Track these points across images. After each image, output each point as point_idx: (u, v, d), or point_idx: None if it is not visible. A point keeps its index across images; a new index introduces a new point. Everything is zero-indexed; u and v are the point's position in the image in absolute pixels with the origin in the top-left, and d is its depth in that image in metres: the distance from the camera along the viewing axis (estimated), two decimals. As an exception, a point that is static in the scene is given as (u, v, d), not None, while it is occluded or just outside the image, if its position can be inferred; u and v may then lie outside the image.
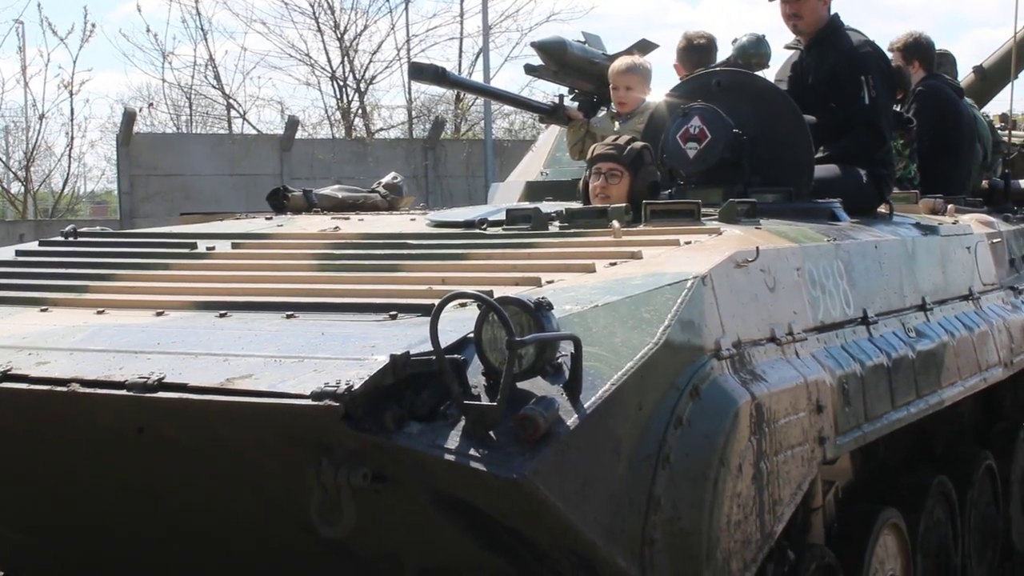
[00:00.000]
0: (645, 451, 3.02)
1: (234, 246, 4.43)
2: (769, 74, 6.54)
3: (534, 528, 2.91)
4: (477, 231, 4.36)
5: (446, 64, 36.16)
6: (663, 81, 6.07)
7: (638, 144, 4.65)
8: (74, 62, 23.67)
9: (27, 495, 3.75)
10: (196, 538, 3.58)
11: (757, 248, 3.62)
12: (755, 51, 6.51)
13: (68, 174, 23.86)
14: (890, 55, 7.36)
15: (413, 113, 26.66)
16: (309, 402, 2.71)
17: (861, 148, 5.38)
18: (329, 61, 27.04)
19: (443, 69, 5.74)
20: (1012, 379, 6.15)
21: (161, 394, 2.90)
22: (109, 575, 3.94)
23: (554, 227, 4.27)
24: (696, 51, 6.22)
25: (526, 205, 4.88)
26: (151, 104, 26.11)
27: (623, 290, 3.28)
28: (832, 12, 5.67)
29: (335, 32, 26.84)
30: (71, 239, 4.85)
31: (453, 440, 2.77)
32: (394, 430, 2.76)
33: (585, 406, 2.85)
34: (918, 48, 7.32)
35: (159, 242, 4.63)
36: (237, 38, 42.23)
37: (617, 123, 5.83)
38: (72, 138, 23.07)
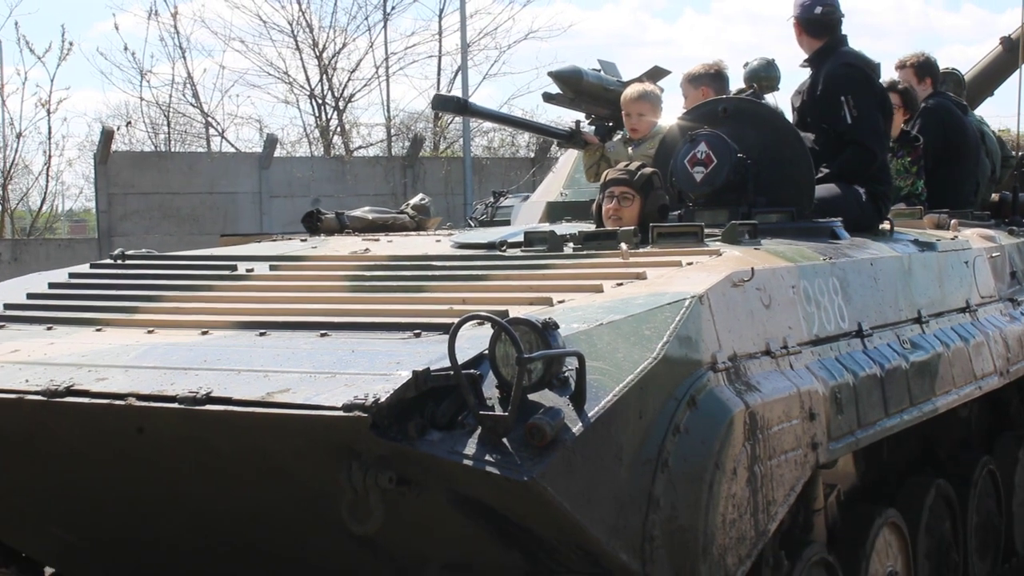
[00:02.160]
0: (645, 456, 3.33)
1: (272, 268, 4.76)
2: (783, 94, 6.87)
3: (544, 526, 3.22)
4: (497, 253, 4.68)
5: (423, 82, 36.20)
6: (678, 105, 6.33)
7: (648, 170, 4.97)
8: (52, 80, 23.19)
9: (83, 502, 4.10)
10: (237, 539, 3.92)
11: (752, 269, 3.92)
12: (765, 74, 6.84)
13: (46, 193, 23.58)
14: (898, 73, 7.67)
15: (392, 131, 26.50)
16: (340, 413, 3.04)
17: (853, 166, 5.67)
18: (308, 79, 26.98)
19: (466, 100, 6.07)
20: (1019, 387, 6.43)
21: (209, 407, 3.23)
22: (163, 569, 4.28)
23: (568, 248, 4.58)
24: (719, 78, 6.52)
25: (543, 228, 5.19)
26: (129, 122, 25.96)
27: (626, 309, 3.59)
28: (836, 36, 5.94)
29: (313, 50, 26.86)
30: (120, 262, 5.20)
31: (470, 447, 3.08)
32: (416, 438, 3.08)
33: (589, 415, 3.15)
34: (929, 66, 7.62)
35: (202, 264, 4.97)
36: (215, 56, 41.19)
37: (630, 148, 6.14)
38: (50, 156, 22.86)
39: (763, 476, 3.69)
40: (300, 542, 3.77)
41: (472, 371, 3.17)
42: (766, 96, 6.76)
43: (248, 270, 4.75)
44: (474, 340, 3.31)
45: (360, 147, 26.40)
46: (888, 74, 7.44)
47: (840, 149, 5.76)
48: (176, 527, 3.95)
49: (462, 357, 3.15)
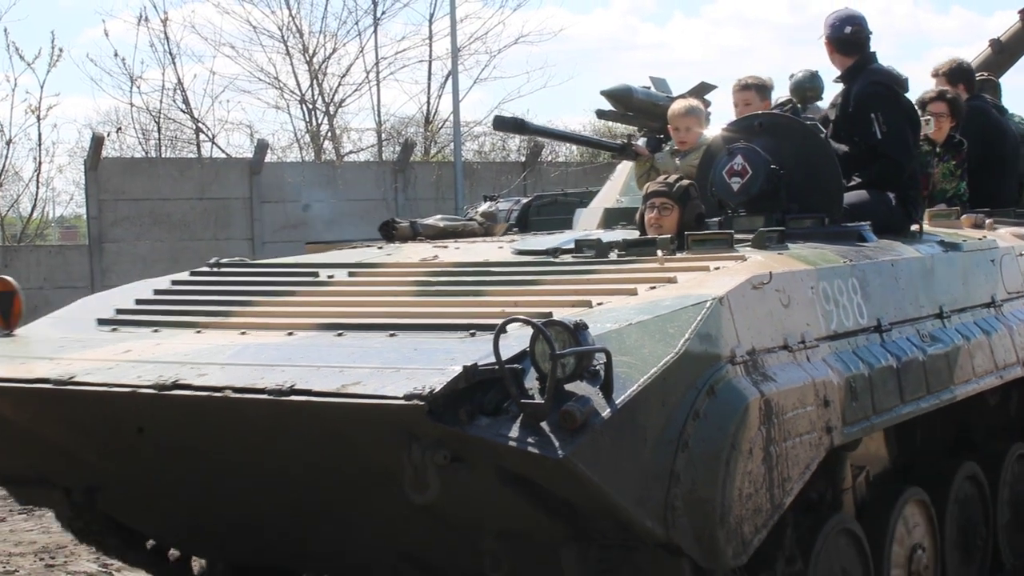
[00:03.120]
0: (667, 438, 3.84)
1: (350, 274, 5.34)
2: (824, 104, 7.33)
3: (579, 498, 3.75)
4: (550, 259, 5.21)
5: (414, 87, 35.94)
6: (725, 117, 6.82)
7: (685, 182, 5.50)
8: (41, 87, 22.76)
9: (187, 483, 4.71)
10: (317, 511, 4.51)
11: (770, 273, 4.42)
12: (810, 85, 7.31)
13: (36, 199, 23.36)
14: (934, 82, 8.08)
15: (383, 136, 26.42)
16: (402, 402, 3.60)
17: (884, 177, 6.13)
18: (298, 84, 26.79)
19: (523, 120, 6.63)
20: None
21: (293, 398, 3.81)
22: (252, 542, 4.89)
23: (613, 254, 5.10)
24: (762, 88, 7.01)
25: (592, 235, 5.70)
26: (119, 129, 25.64)
27: (654, 310, 4.10)
28: (865, 53, 6.40)
29: (304, 55, 26.64)
30: (216, 269, 5.81)
31: (513, 430, 3.62)
32: (467, 423, 3.63)
33: (616, 403, 3.67)
34: (961, 73, 8.02)
35: (288, 272, 5.56)
36: (206, 62, 40.71)
37: (677, 159, 6.65)
38: (40, 163, 22.52)
39: (778, 456, 4.17)
40: (371, 514, 4.35)
41: (515, 365, 3.71)
42: (811, 106, 7.22)
43: (329, 276, 5.33)
44: (519, 339, 3.83)
45: (351, 152, 26.41)
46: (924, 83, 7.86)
47: (871, 159, 6.21)
48: (264, 503, 4.54)
49: (506, 353, 3.68)
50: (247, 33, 30.70)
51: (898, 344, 5.05)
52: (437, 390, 3.59)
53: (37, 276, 17.66)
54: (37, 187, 23.03)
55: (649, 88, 7.16)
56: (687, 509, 3.86)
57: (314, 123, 26.82)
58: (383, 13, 27.27)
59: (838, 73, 6.48)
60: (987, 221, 6.85)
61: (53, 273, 17.59)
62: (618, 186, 7.54)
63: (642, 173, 6.92)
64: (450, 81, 23.66)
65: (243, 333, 4.62)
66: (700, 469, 3.89)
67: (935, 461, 6.01)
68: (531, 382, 3.71)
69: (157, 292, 5.52)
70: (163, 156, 24.84)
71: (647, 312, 4.09)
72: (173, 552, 5.94)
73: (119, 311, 5.21)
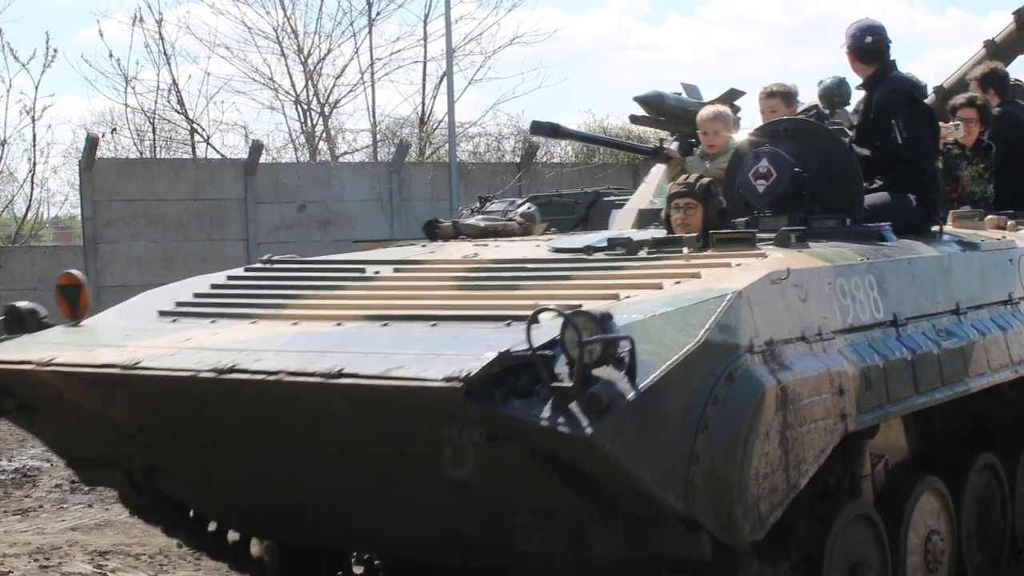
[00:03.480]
0: (688, 421, 4.13)
1: (395, 270, 5.66)
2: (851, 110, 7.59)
3: (604, 474, 4.05)
4: (583, 256, 5.51)
5: (409, 87, 35.41)
6: (753, 123, 7.10)
7: (705, 180, 5.84)
8: (36, 87, 22.98)
9: (241, 463, 5.06)
10: (361, 490, 4.84)
11: (788, 269, 4.71)
12: (838, 91, 7.59)
13: (31, 200, 23.24)
14: (972, 86, 8.33)
15: (377, 136, 26.42)
16: (442, 384, 3.92)
17: (905, 180, 6.41)
18: (293, 85, 26.83)
19: (558, 125, 6.95)
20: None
21: (341, 380, 4.14)
22: (301, 522, 5.22)
23: (643, 252, 5.40)
24: (787, 95, 7.29)
25: (623, 234, 6.01)
26: (114, 129, 25.56)
27: (678, 303, 4.40)
28: (885, 62, 6.70)
29: (299, 56, 26.67)
30: (269, 265, 6.15)
31: (544, 411, 3.92)
32: (501, 403, 3.94)
33: (640, 387, 3.96)
34: (993, 78, 8.27)
35: (338, 268, 5.89)
36: (200, 63, 39.65)
37: (707, 162, 6.95)
38: (35, 164, 22.60)
39: (794, 440, 4.45)
40: (412, 494, 4.67)
41: (546, 352, 4.01)
42: (839, 111, 7.49)
43: (375, 272, 5.66)
44: (550, 328, 4.13)
45: (346, 153, 26.45)
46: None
47: (892, 163, 6.49)
48: (313, 484, 4.88)
49: (538, 341, 3.99)
50: (242, 34, 30.62)
51: (913, 338, 5.31)
52: (474, 373, 3.90)
53: (31, 277, 17.87)
54: (32, 188, 23.04)
55: (680, 94, 7.46)
56: (706, 487, 4.15)
57: (309, 124, 26.85)
58: (378, 14, 27.41)
59: (860, 80, 6.76)
60: (1009, 223, 7.09)
61: (47, 274, 17.66)
62: (652, 188, 7.84)
63: (674, 176, 7.21)
64: (445, 82, 23.68)
65: (295, 324, 4.95)
66: (719, 450, 4.17)
67: (953, 451, 6.26)
68: (561, 367, 4.01)
69: (214, 287, 5.86)
70: (158, 157, 24.87)
71: (671, 304, 4.39)
72: (232, 535, 6.29)
73: (178, 303, 5.55)
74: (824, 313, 4.87)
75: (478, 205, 8.01)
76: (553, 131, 6.95)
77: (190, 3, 35.23)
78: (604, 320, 3.97)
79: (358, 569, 6.89)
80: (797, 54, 52.90)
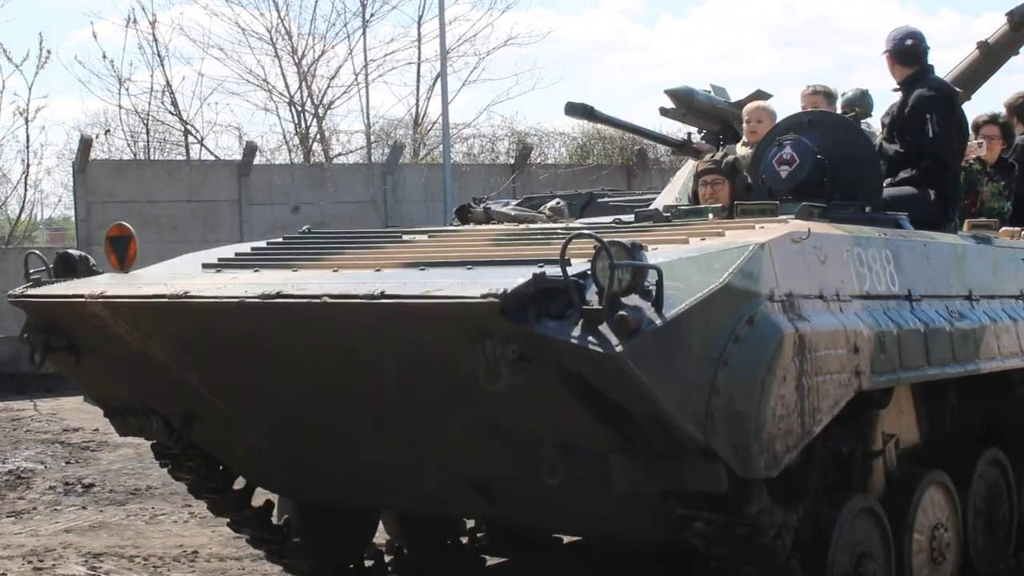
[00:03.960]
0: (710, 356, 4.33)
1: (430, 236, 5.90)
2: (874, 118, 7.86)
3: (628, 398, 4.25)
4: (612, 224, 5.75)
5: (403, 89, 35.16)
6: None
7: (730, 157, 6.08)
8: (30, 89, 22.38)
9: (276, 400, 5.26)
10: (394, 430, 5.04)
11: (808, 229, 4.93)
12: (860, 102, 7.84)
13: (24, 201, 23.08)
14: (1005, 110, 8.59)
15: (372, 138, 26.24)
16: (479, 300, 4.14)
17: (929, 174, 6.66)
18: (287, 86, 26.75)
19: (592, 107, 7.23)
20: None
21: (384, 301, 4.37)
22: (331, 476, 5.41)
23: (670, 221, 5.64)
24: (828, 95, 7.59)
25: (652, 209, 6.25)
26: (108, 131, 25.39)
27: (703, 251, 4.63)
28: (925, 65, 7.07)
29: (292, 57, 26.62)
30: (307, 235, 6.39)
31: (575, 331, 4.13)
32: (534, 322, 4.16)
33: (666, 316, 4.18)
34: (1018, 109, 8.54)
35: (375, 236, 6.13)
36: (194, 64, 40.69)
37: (746, 149, 7.22)
38: (28, 165, 22.38)
39: (809, 387, 4.65)
40: (443, 429, 4.88)
41: (578, 280, 4.24)
42: (862, 123, 7.74)
43: (411, 238, 5.89)
44: (583, 265, 4.36)
45: (340, 154, 26.27)
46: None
47: (918, 159, 6.74)
48: (347, 417, 5.08)
49: (571, 271, 4.22)
50: (236, 35, 30.50)
51: (927, 313, 5.51)
52: (509, 291, 4.13)
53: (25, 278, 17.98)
54: (25, 189, 22.93)
55: (710, 92, 7.73)
56: (725, 420, 4.35)
57: (303, 125, 26.77)
58: (372, 15, 27.46)
59: (891, 88, 7.06)
60: (1022, 233, 7.30)
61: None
62: (677, 187, 8.09)
63: (709, 155, 7.46)
64: (439, 83, 23.62)
65: (335, 270, 5.18)
66: (738, 386, 4.37)
67: (959, 446, 6.44)
68: (592, 295, 4.23)
69: (255, 248, 6.10)
70: (152, 158, 24.71)
71: (697, 252, 4.62)
72: (255, 501, 6.48)
73: (220, 259, 5.78)
74: (841, 276, 5.08)
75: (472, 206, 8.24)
76: (587, 112, 7.21)
77: (184, 4, 35.49)
78: (634, 249, 4.20)
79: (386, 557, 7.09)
80: (790, 56, 53.32)
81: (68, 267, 5.72)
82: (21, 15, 39.69)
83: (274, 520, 6.60)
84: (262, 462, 5.96)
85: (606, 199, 8.89)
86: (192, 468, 6.16)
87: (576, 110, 7.18)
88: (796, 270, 4.82)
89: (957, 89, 7.18)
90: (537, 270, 4.29)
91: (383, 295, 4.38)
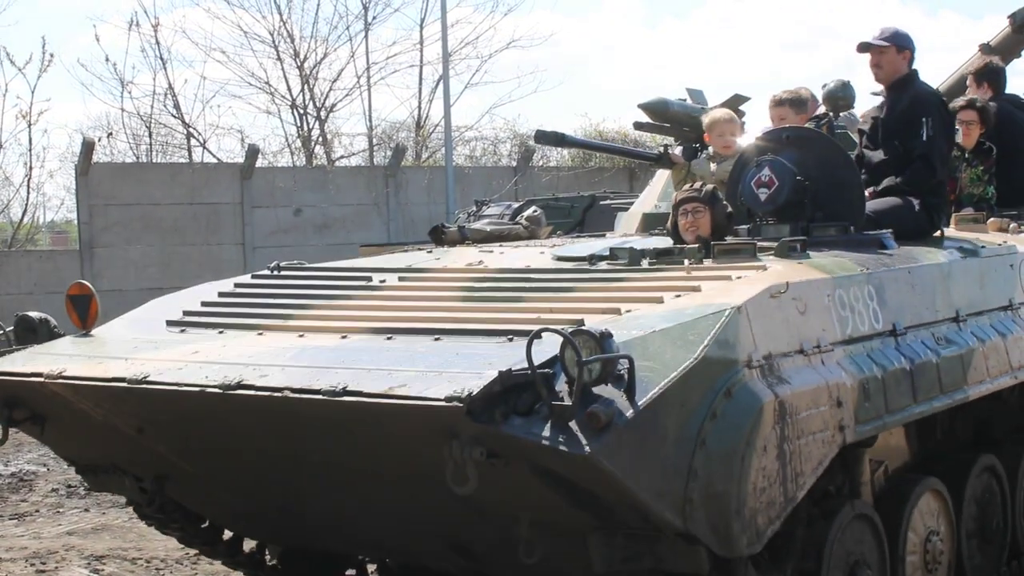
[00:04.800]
0: (686, 436, 4.19)
1: (400, 279, 5.72)
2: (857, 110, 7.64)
3: (603, 490, 4.12)
4: (586, 266, 5.57)
5: (405, 91, 35.22)
6: (759, 127, 7.19)
7: (710, 186, 5.92)
8: (32, 92, 23.48)
9: (247, 472, 5.14)
10: (366, 502, 4.92)
11: (787, 283, 4.76)
12: (842, 95, 7.63)
13: (27, 204, 23.35)
14: (968, 80, 8.38)
15: (374, 140, 26.40)
16: (443, 403, 3.98)
17: (917, 178, 6.47)
18: (289, 89, 26.90)
19: (563, 134, 7.02)
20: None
21: (345, 398, 4.21)
22: (307, 529, 5.30)
23: (645, 262, 5.46)
24: (797, 102, 7.35)
25: (625, 243, 6.05)
26: (110, 134, 25.79)
27: (677, 318, 4.46)
28: (913, 69, 6.82)
29: (295, 60, 26.77)
30: (275, 273, 6.22)
31: (544, 429, 3.99)
32: (501, 422, 4.00)
33: (639, 404, 4.02)
34: (987, 73, 8.33)
35: (344, 276, 5.96)
36: (196, 67, 40.63)
37: (713, 164, 7.01)
38: (31, 168, 22.40)
39: (791, 452, 4.52)
40: (417, 506, 4.75)
41: (546, 370, 4.08)
42: (843, 115, 7.54)
43: (381, 281, 5.72)
44: (551, 345, 4.19)
45: (342, 157, 26.48)
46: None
47: (901, 165, 6.55)
48: (319, 495, 4.96)
49: (539, 359, 4.05)
50: (238, 38, 30.70)
51: (912, 347, 5.36)
52: (475, 392, 3.97)
53: (28, 281, 17.87)
54: (28, 192, 23.09)
55: (685, 100, 7.51)
56: (704, 502, 4.21)
57: (305, 128, 26.86)
58: (374, 18, 27.71)
59: (869, 91, 6.86)
60: (1012, 225, 7.13)
61: (44, 278, 17.70)
62: (656, 192, 7.90)
63: (679, 180, 7.27)
64: (441, 86, 23.70)
65: (301, 336, 5.02)
66: (716, 465, 4.24)
67: (953, 453, 6.33)
68: (561, 386, 4.08)
69: (221, 295, 5.94)
70: (154, 161, 24.86)
71: (671, 320, 4.45)
72: (248, 544, 6.38)
73: (186, 312, 5.63)
74: (823, 325, 4.93)
75: (475, 209, 8.09)
76: (559, 140, 7.01)
77: (186, 8, 35.45)
78: (603, 339, 4.04)
79: (371, 566, 7.00)
80: (792, 58, 52.96)
81: (29, 330, 5.57)
82: (24, 18, 39.51)
83: (268, 560, 6.52)
84: (241, 517, 5.85)
85: (608, 201, 8.73)
86: (177, 527, 6.06)
87: (547, 138, 6.99)
88: (775, 328, 4.67)
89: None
90: (503, 361, 4.14)
91: (345, 391, 4.22)
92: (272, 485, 5.16)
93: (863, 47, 6.81)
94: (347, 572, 6.83)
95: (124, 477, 5.66)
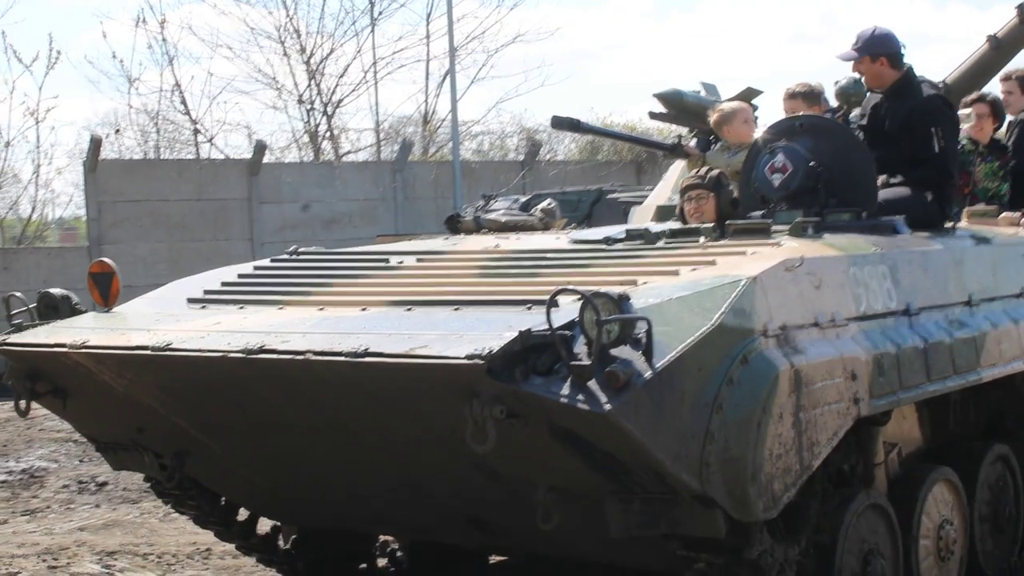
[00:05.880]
0: (703, 400, 4.24)
1: (418, 260, 5.79)
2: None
3: (621, 451, 4.17)
4: (603, 246, 5.63)
5: (412, 86, 35.04)
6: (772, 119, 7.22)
7: (714, 172, 5.98)
8: (40, 89, 22.50)
9: (267, 443, 5.19)
10: (387, 472, 4.97)
11: (802, 257, 4.82)
12: (854, 91, 7.67)
13: (35, 201, 23.12)
14: (1002, 85, 8.41)
15: (381, 135, 26.31)
16: (465, 361, 4.04)
17: (931, 179, 6.49)
18: (296, 85, 26.67)
19: (578, 120, 7.09)
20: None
21: (367, 359, 4.27)
22: (328, 506, 5.35)
23: (661, 243, 5.52)
24: (810, 95, 7.40)
25: (642, 226, 6.13)
26: (118, 130, 25.22)
27: (694, 288, 4.52)
28: (906, 69, 6.76)
29: (301, 56, 26.56)
30: (295, 257, 6.29)
31: (563, 388, 4.04)
32: (521, 380, 4.06)
33: (656, 366, 4.08)
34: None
35: (362, 258, 6.02)
36: (203, 63, 40.80)
37: (727, 155, 7.07)
38: (39, 165, 22.41)
39: (807, 422, 4.56)
40: (437, 475, 4.80)
41: (565, 332, 4.14)
42: (856, 110, 7.59)
43: (399, 262, 5.79)
44: (570, 310, 4.26)
45: (349, 152, 26.32)
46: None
47: (908, 164, 6.56)
48: (337, 458, 5.01)
49: (558, 322, 4.12)
50: (244, 34, 30.55)
51: (926, 327, 5.41)
52: (495, 351, 4.03)
53: (36, 278, 17.81)
54: (36, 189, 22.92)
55: (699, 92, 7.58)
56: (720, 466, 4.27)
57: (312, 123, 26.73)
58: (380, 13, 27.35)
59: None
60: (1023, 219, 7.18)
61: (52, 275, 17.59)
62: (670, 185, 7.96)
63: (696, 170, 7.32)
64: (448, 80, 23.63)
65: (321, 309, 5.08)
66: (733, 430, 4.29)
67: (966, 442, 6.36)
68: (580, 347, 4.13)
69: (241, 276, 6.00)
70: (161, 157, 24.68)
71: (687, 289, 4.51)
72: (261, 527, 6.42)
73: (207, 291, 5.69)
74: (837, 301, 4.98)
75: (482, 203, 8.13)
76: (574, 126, 7.08)
77: (192, 4, 35.58)
78: (622, 301, 4.10)
79: (381, 561, 7.03)
80: (801, 52, 52.98)
81: (51, 307, 5.62)
82: (31, 15, 39.66)
83: (281, 544, 6.55)
84: (258, 494, 5.90)
85: (616, 195, 8.77)
86: (193, 505, 6.10)
87: (562, 124, 7.06)
88: (790, 300, 4.72)
89: (938, 86, 7.01)
90: (523, 324, 4.19)
91: (367, 353, 4.28)
92: (291, 458, 5.22)
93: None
94: (359, 567, 6.88)
95: (144, 454, 5.71)
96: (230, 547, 7.64)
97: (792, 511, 4.77)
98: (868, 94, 6.99)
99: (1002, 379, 6.14)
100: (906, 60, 6.85)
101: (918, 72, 6.90)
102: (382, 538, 6.98)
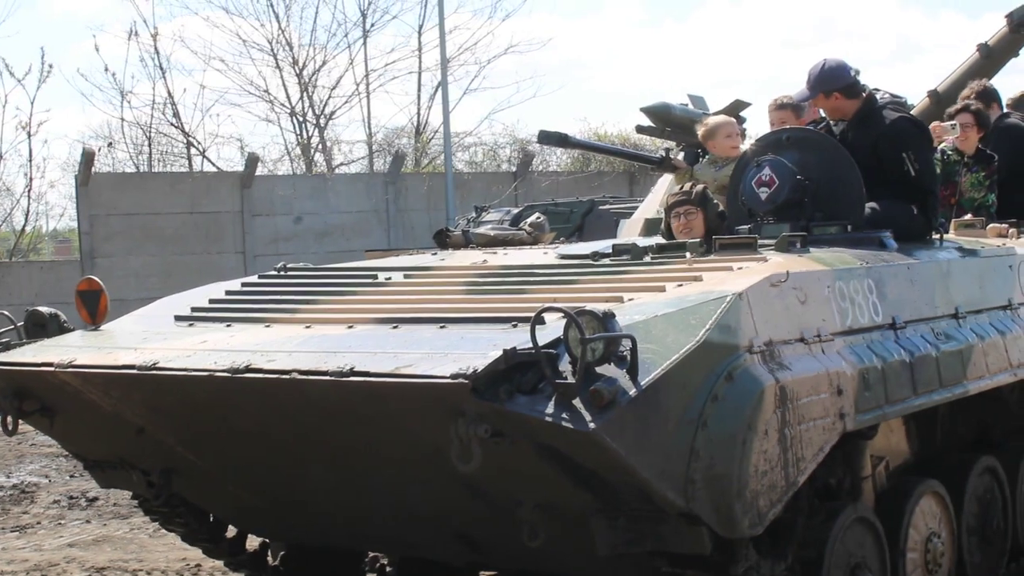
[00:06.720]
0: (688, 418, 4.25)
1: (406, 276, 5.80)
2: None
3: (606, 470, 4.18)
4: (589, 262, 5.64)
5: (404, 98, 35.53)
6: (760, 132, 7.24)
7: (700, 187, 6.01)
8: (32, 103, 23.78)
9: (254, 460, 5.19)
10: (374, 490, 4.97)
11: (787, 272, 4.83)
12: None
13: (28, 214, 23.49)
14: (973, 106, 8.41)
15: (373, 147, 26.54)
16: (449, 381, 4.05)
17: (915, 197, 6.46)
18: (288, 97, 27.07)
19: (566, 135, 7.10)
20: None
21: (352, 378, 4.27)
22: (315, 523, 5.35)
23: (647, 258, 5.53)
24: (797, 107, 7.41)
25: (628, 241, 6.14)
26: (110, 143, 25.87)
27: (680, 304, 4.53)
28: (864, 96, 6.65)
29: (293, 68, 26.89)
30: (282, 274, 6.29)
31: (547, 407, 4.05)
32: (506, 400, 4.07)
33: (641, 384, 4.09)
34: (990, 93, 8.40)
35: (349, 275, 6.03)
36: (196, 76, 41.41)
37: (714, 169, 7.08)
38: (31, 179, 22.73)
39: (792, 438, 4.57)
40: (422, 489, 4.80)
41: (550, 350, 4.15)
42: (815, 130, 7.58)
43: (387, 278, 5.79)
44: (555, 328, 4.27)
45: (342, 164, 26.79)
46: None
47: (886, 183, 6.52)
48: (323, 476, 5.01)
49: (543, 340, 4.13)
50: (237, 47, 30.55)
51: (912, 340, 5.42)
52: (480, 370, 4.03)
53: (29, 291, 17.92)
54: (28, 202, 23.12)
55: (687, 105, 7.59)
56: (706, 483, 4.27)
57: (305, 136, 27.03)
58: (372, 25, 27.82)
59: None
60: (1011, 231, 7.20)
61: (45, 288, 17.75)
62: (658, 198, 7.96)
63: (682, 184, 7.33)
64: (440, 92, 23.86)
65: (308, 327, 5.08)
66: (718, 447, 4.29)
67: (953, 454, 6.37)
68: (565, 365, 4.14)
69: (228, 293, 6.01)
70: (154, 170, 25.01)
71: (673, 306, 4.52)
72: (251, 543, 6.42)
73: (194, 309, 5.69)
74: (823, 315, 4.99)
75: (474, 215, 8.16)
76: (562, 141, 7.09)
77: (185, 17, 35.65)
78: (606, 319, 4.10)
79: (371, 576, 7.04)
80: (793, 59, 53.12)
81: (39, 325, 5.63)
82: (23, 28, 39.74)
83: (270, 561, 6.55)
84: (246, 511, 5.90)
85: (607, 206, 8.78)
86: (181, 522, 6.10)
87: (550, 138, 7.07)
88: (775, 315, 4.73)
89: (902, 98, 6.96)
90: (508, 343, 4.20)
91: (352, 372, 4.29)
92: (278, 475, 5.22)
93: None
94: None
95: (132, 472, 5.72)
96: (219, 563, 7.66)
97: (778, 526, 4.78)
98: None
99: (989, 391, 6.16)
100: (865, 84, 6.78)
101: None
102: (371, 554, 6.98)
